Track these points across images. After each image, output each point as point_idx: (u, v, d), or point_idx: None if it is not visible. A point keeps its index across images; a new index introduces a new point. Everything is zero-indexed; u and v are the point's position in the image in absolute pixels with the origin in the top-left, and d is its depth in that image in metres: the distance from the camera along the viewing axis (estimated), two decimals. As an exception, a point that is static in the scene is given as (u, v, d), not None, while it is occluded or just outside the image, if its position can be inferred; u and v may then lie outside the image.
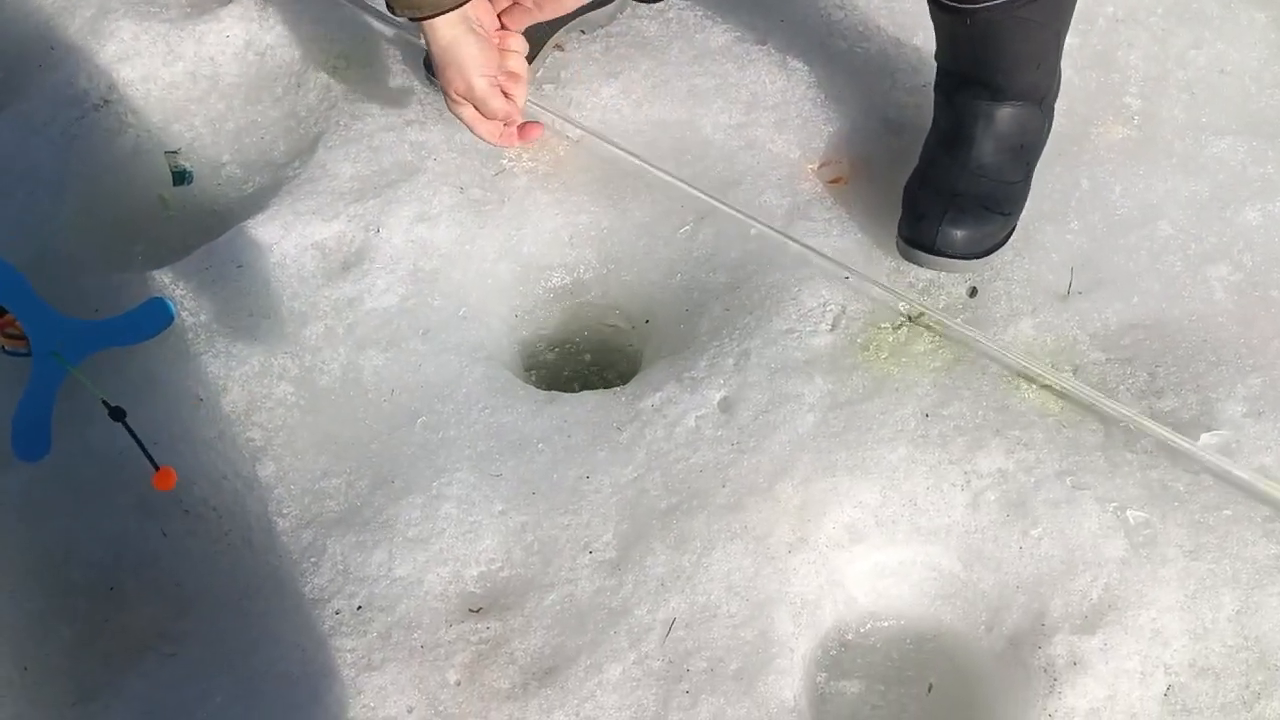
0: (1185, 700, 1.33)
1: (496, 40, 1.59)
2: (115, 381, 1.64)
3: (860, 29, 1.99)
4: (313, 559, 1.52)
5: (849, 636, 1.48)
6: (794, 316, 1.65)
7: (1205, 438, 1.49)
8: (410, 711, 1.39)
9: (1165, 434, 1.47)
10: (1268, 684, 1.33)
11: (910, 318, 1.64)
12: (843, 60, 1.95)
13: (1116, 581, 1.39)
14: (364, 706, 1.39)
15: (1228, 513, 1.43)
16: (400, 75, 1.96)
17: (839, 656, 1.47)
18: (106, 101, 1.97)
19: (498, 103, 1.57)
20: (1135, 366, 1.59)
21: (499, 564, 1.50)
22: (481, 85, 1.55)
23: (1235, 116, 1.86)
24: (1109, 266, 1.70)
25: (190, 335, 1.71)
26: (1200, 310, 1.64)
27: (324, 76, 1.98)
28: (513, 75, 1.60)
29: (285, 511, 1.57)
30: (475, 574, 1.49)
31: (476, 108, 1.58)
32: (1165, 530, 1.42)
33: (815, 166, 1.84)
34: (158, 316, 1.70)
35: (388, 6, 1.52)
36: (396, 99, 1.93)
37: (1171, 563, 1.40)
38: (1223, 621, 1.36)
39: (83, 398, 1.60)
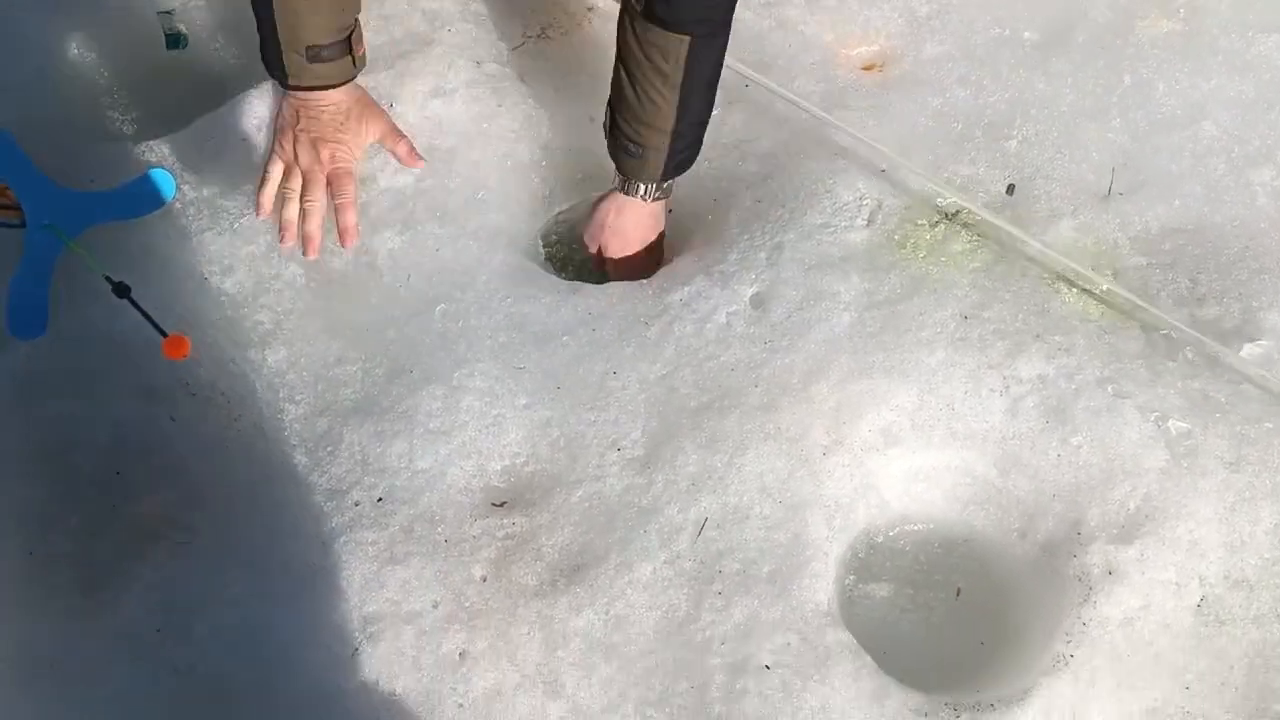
0: (1219, 611, 1.33)
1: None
2: (115, 257, 1.56)
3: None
4: (329, 448, 1.47)
5: (878, 539, 1.46)
6: (829, 210, 1.59)
7: (1248, 348, 1.46)
8: (436, 606, 1.36)
9: (1205, 340, 1.45)
10: (1302, 598, 1.33)
11: (948, 215, 1.58)
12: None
13: (1156, 492, 1.37)
14: (388, 600, 1.36)
15: (1269, 425, 1.41)
16: (411, -63, 1.84)
17: (867, 559, 1.45)
18: (94, -45, 1.84)
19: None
20: (1176, 272, 1.55)
21: (524, 459, 1.46)
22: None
23: (1284, 13, 1.79)
24: (1151, 167, 1.65)
25: (192, 210, 1.62)
26: (1243, 215, 1.60)
27: (329, -64, 1.85)
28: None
29: (298, 399, 1.52)
30: (499, 468, 1.45)
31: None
32: (1206, 441, 1.40)
33: (850, 51, 1.76)
34: (158, 190, 1.62)
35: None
36: (408, -37, 1.81)
37: (1211, 474, 1.38)
38: (1260, 535, 1.36)
39: (81, 275, 1.52)
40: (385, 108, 1.68)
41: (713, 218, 1.65)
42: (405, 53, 1.71)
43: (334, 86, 1.48)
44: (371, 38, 1.73)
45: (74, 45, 1.79)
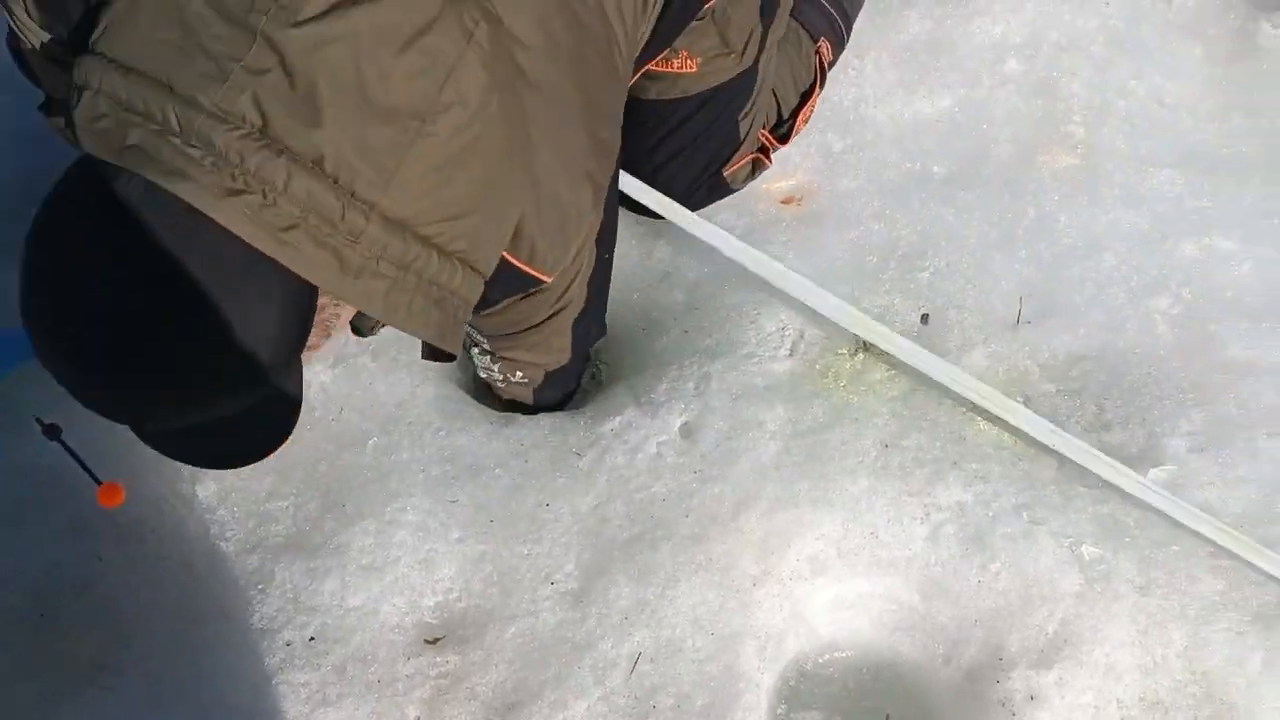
0: (1135, 733, 1.37)
1: None
2: (45, 392, 1.54)
3: (812, 45, 1.99)
4: (260, 586, 1.47)
5: (808, 667, 1.48)
6: (753, 341, 1.64)
7: (1154, 473, 1.53)
8: (369, 749, 1.36)
9: (1109, 471, 1.51)
10: (1214, 718, 1.38)
11: (866, 345, 1.65)
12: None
13: (1072, 617, 1.42)
14: (320, 744, 1.36)
15: (1176, 549, 1.47)
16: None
17: (798, 687, 1.47)
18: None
19: None
20: (1084, 399, 1.62)
21: (457, 594, 1.47)
22: None
23: (1173, 149, 1.90)
24: (1056, 297, 1.73)
25: (124, 345, 1.62)
26: (1144, 343, 1.68)
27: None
28: None
29: (229, 535, 1.51)
30: (432, 604, 1.46)
31: None
32: (1118, 566, 1.46)
33: (770, 185, 1.83)
34: (89, 325, 1.62)
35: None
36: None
37: (1124, 598, 1.43)
38: (1172, 657, 1.41)
39: (11, 408, 1.52)
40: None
41: (642, 346, 1.69)
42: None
43: None
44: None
45: (15, 186, 1.80)
